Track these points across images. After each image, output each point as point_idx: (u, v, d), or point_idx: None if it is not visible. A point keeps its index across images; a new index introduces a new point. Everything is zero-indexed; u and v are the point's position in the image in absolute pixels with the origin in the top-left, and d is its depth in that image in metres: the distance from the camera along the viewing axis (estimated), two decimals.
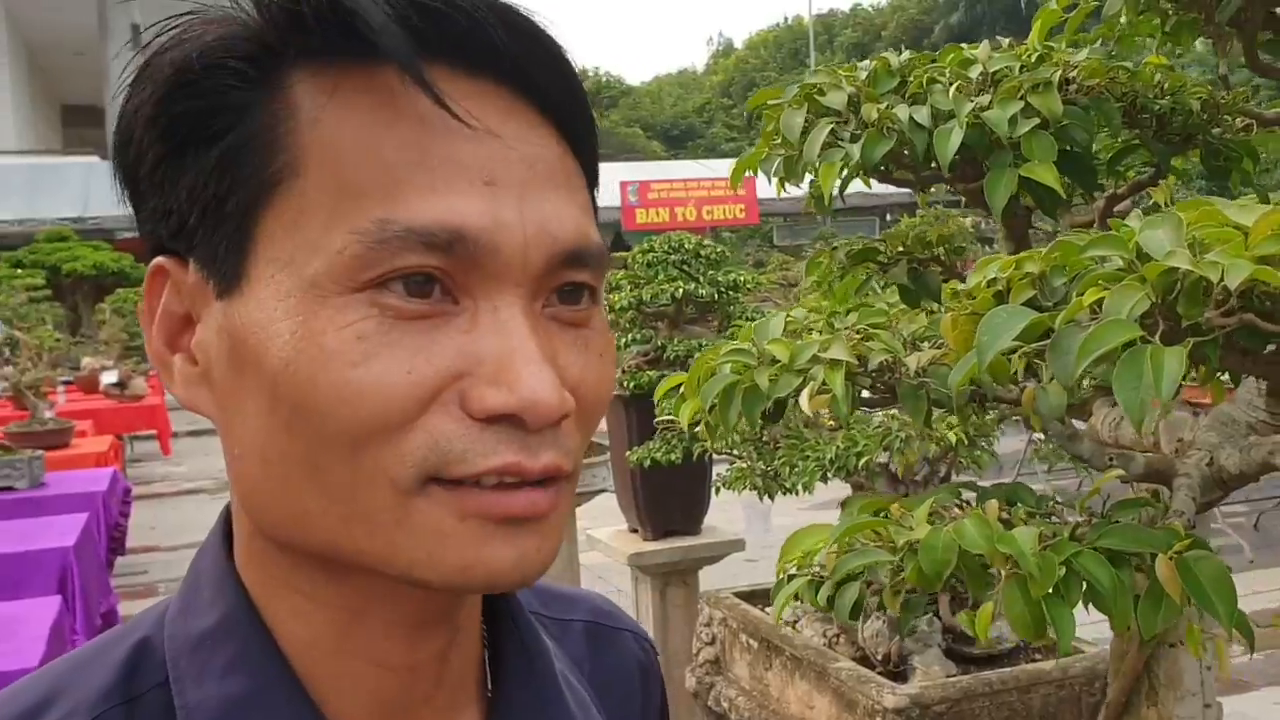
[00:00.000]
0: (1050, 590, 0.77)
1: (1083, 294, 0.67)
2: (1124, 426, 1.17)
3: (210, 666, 0.61)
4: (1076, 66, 1.15)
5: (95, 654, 0.64)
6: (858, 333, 0.96)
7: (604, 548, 5.21)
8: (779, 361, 0.91)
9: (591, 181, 0.65)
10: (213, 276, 0.59)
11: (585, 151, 0.63)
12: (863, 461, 2.72)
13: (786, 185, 1.25)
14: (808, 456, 2.83)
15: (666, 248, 4.78)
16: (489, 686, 0.70)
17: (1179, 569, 0.80)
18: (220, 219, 0.58)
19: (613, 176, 25.36)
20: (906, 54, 1.20)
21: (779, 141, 1.20)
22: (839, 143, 1.13)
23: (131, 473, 13.80)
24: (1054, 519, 0.87)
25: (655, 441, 4.71)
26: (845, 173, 1.12)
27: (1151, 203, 1.28)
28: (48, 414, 9.61)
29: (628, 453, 4.84)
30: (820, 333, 0.93)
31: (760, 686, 3.46)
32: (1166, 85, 1.30)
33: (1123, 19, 1.15)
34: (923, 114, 1.09)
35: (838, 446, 2.81)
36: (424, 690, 0.65)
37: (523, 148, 0.58)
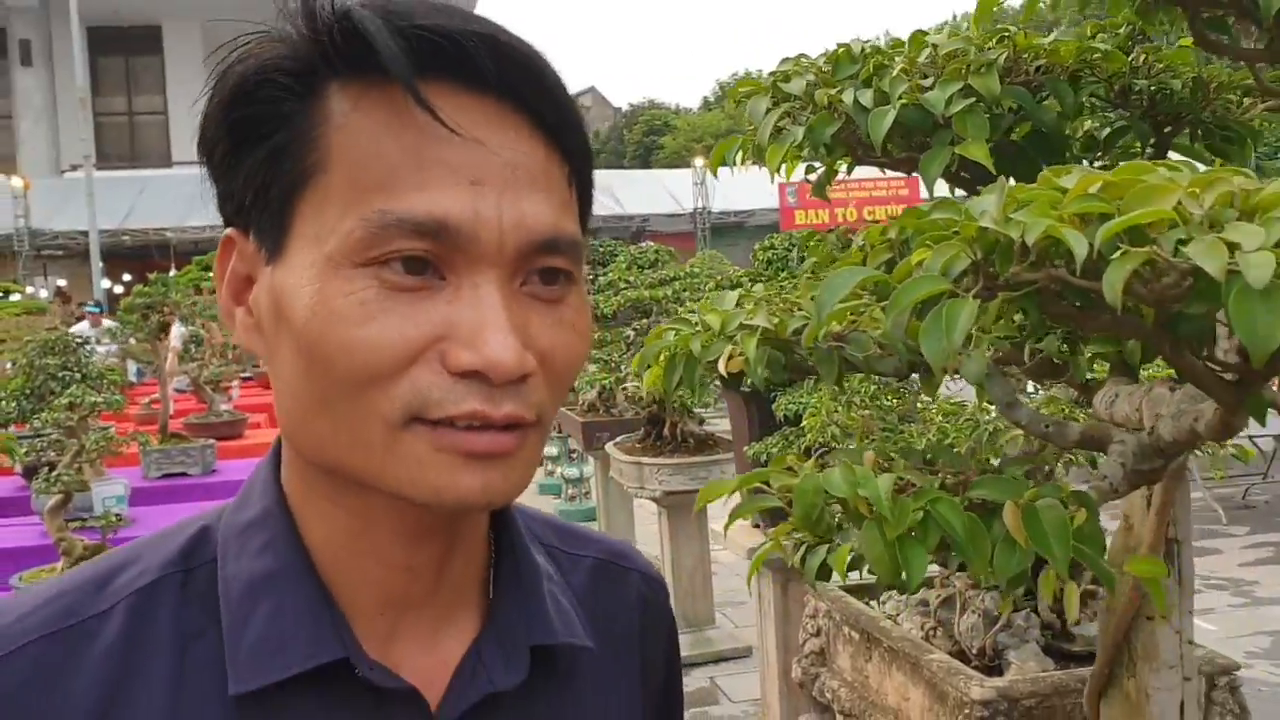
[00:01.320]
0: (909, 534, 0.82)
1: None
2: (1118, 404, 1.20)
3: (247, 548, 0.76)
4: (1037, 50, 1.17)
5: (169, 534, 0.80)
6: (788, 304, 1.02)
7: (722, 539, 5.29)
8: (712, 330, 0.98)
9: (583, 184, 0.76)
10: (264, 246, 0.73)
11: (576, 159, 0.74)
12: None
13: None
14: (900, 448, 2.83)
15: (787, 244, 4.83)
16: (490, 595, 0.82)
17: (1025, 517, 0.83)
18: (267, 201, 0.71)
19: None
20: (874, 39, 1.25)
21: (751, 127, 1.27)
22: (792, 126, 1.19)
23: None
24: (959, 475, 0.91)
25: (774, 437, 4.76)
26: (806, 153, 1.18)
27: None
28: (223, 407, 10.23)
29: (745, 447, 4.91)
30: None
31: (860, 678, 3.48)
32: (1154, 67, 1.30)
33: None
34: (867, 97, 1.14)
35: (929, 439, 2.82)
36: (423, 590, 0.77)
37: (506, 154, 0.69)
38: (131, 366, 12.49)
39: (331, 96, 0.70)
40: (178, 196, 27.66)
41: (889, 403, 3.19)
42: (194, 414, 9.85)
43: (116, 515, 4.82)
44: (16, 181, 25.19)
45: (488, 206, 0.68)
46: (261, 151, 0.71)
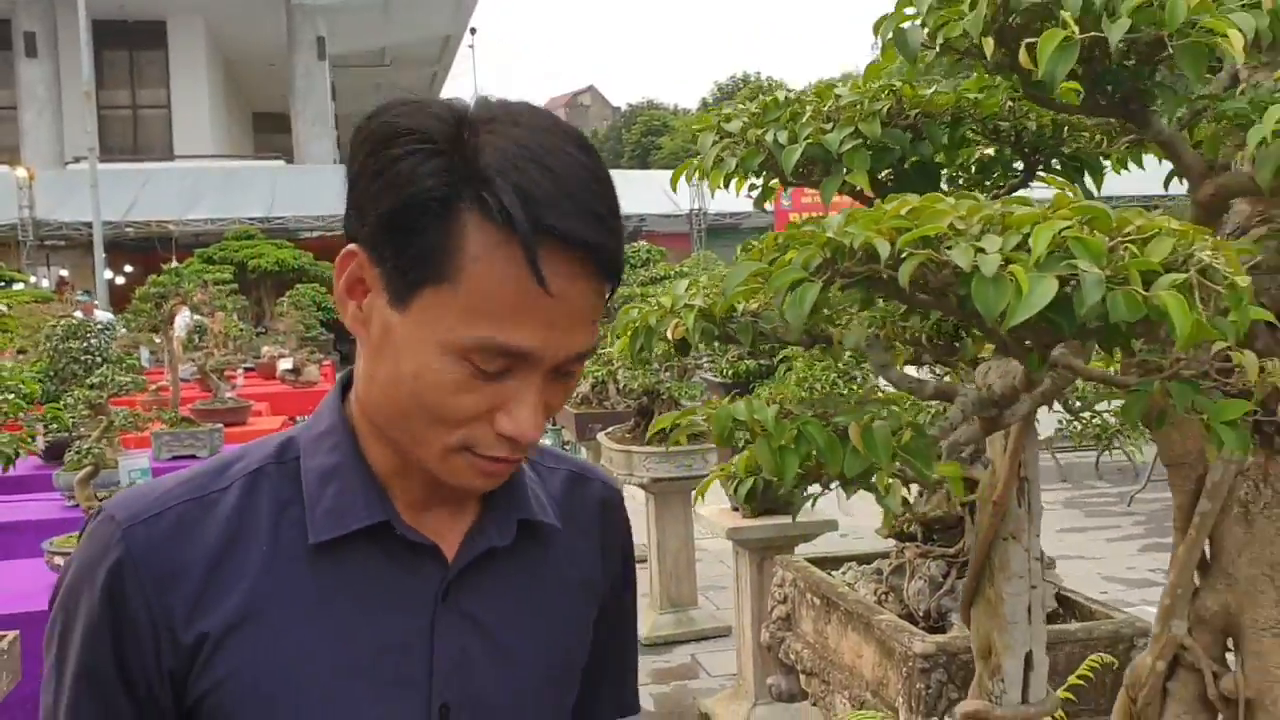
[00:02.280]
0: (788, 446, 1.16)
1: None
2: (990, 374, 1.55)
3: (320, 449, 1.07)
4: (918, 99, 1.52)
5: (266, 441, 1.11)
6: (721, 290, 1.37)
7: (706, 523, 5.63)
8: (664, 308, 1.32)
9: (613, 289, 1.01)
10: (387, 289, 0.97)
11: (616, 279, 1.00)
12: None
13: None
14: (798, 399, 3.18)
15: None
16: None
17: (864, 434, 1.18)
18: (401, 272, 0.95)
19: None
20: (795, 89, 1.59)
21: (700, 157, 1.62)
22: (730, 156, 1.54)
23: None
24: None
25: None
26: (742, 175, 1.53)
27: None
28: (228, 394, 10.53)
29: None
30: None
31: (821, 639, 3.83)
32: (1018, 110, 1.64)
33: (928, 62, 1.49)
34: (783, 136, 1.49)
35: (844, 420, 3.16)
36: (444, 494, 1.08)
37: (577, 303, 0.96)
38: (144, 352, 12.78)
39: (469, 222, 0.92)
40: (180, 190, 27.90)
41: (847, 390, 3.54)
42: (200, 401, 10.15)
43: None
44: (21, 172, 25.39)
45: (554, 341, 0.96)
46: (410, 236, 0.94)
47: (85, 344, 5.61)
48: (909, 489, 2.79)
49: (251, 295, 21.59)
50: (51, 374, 5.33)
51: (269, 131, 42.40)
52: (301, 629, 1.03)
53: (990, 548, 1.56)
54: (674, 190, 1.70)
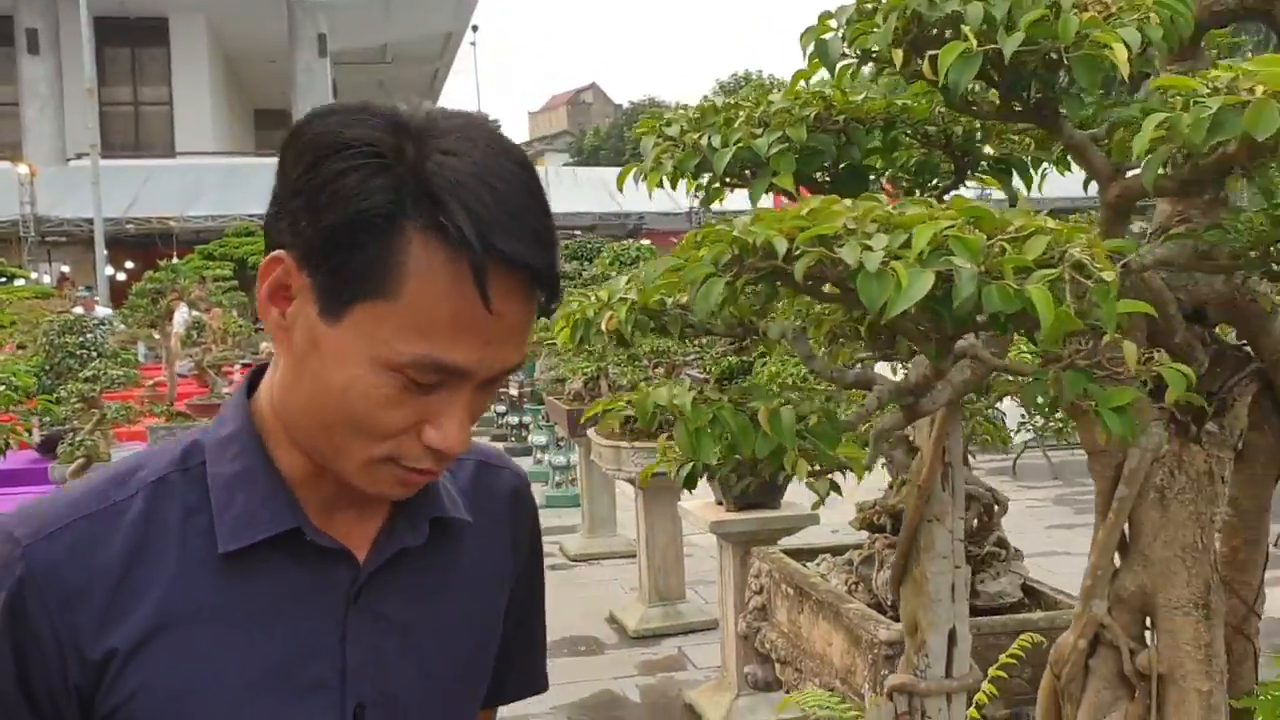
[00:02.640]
0: (704, 429, 1.25)
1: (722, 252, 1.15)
2: (918, 369, 1.63)
3: (225, 455, 1.05)
4: (848, 105, 1.60)
5: (168, 446, 1.08)
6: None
7: (690, 517, 5.72)
8: (602, 301, 1.41)
9: (550, 301, 1.01)
10: (318, 300, 0.95)
11: (551, 293, 0.99)
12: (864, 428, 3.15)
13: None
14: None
15: None
16: None
17: (771, 417, 1.26)
18: (338, 286, 0.94)
19: None
20: (729, 97, 1.68)
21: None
22: (666, 160, 1.63)
23: None
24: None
25: None
26: (680, 178, 1.61)
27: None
28: (225, 390, 10.62)
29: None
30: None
31: (794, 629, 3.91)
32: (946, 116, 1.72)
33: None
34: (716, 140, 1.57)
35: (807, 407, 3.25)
36: (354, 496, 1.06)
37: (512, 319, 0.96)
38: (140, 348, 12.86)
39: (414, 239, 0.92)
40: (181, 186, 27.99)
41: (819, 384, 3.62)
42: (197, 396, 10.24)
43: None
44: (23, 169, 25.49)
45: (489, 358, 0.96)
46: (351, 250, 0.93)
47: (81, 339, 5.69)
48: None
49: (250, 291, 21.69)
50: (48, 368, 5.42)
51: (271, 128, 42.45)
52: (212, 640, 1.02)
53: (916, 530, 1.64)
54: (620, 191, 1.79)
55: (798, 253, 1.08)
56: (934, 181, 1.79)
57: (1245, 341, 1.73)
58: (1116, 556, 1.71)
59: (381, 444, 0.99)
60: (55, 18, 31.54)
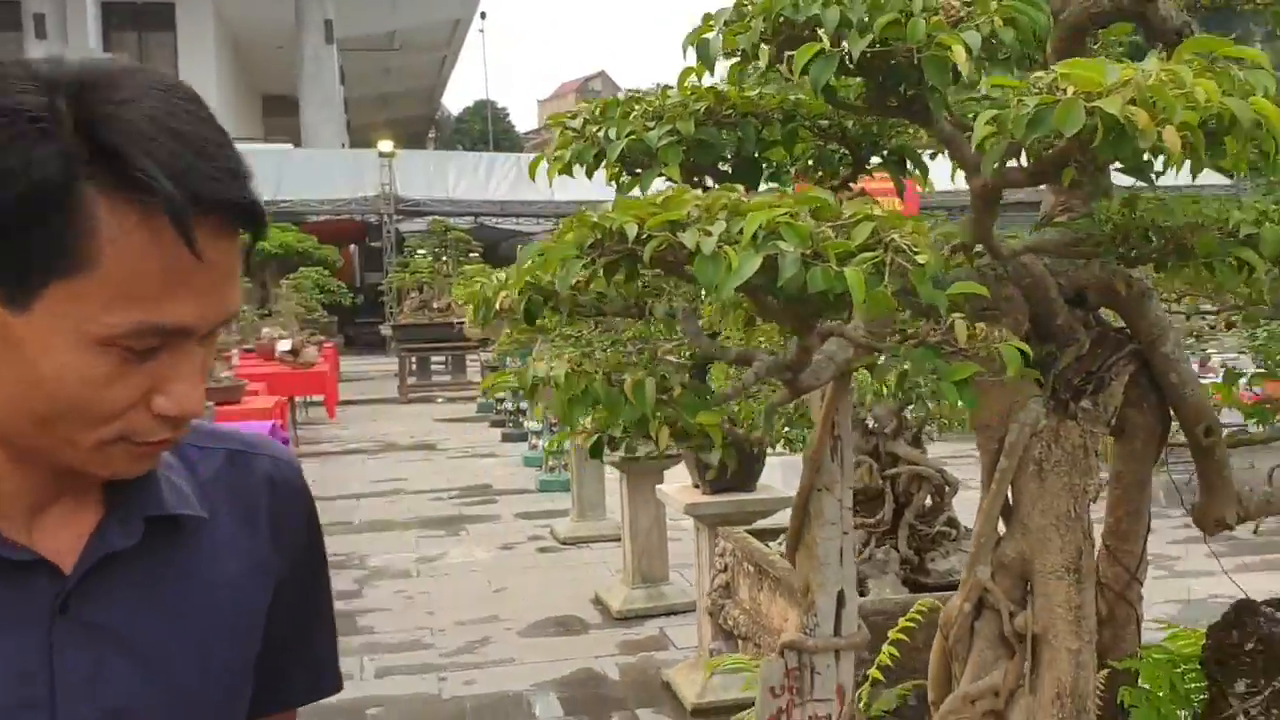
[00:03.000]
0: (577, 398, 1.36)
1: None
2: (789, 346, 1.74)
3: None
4: (739, 100, 1.70)
5: None
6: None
7: (669, 500, 5.84)
8: (501, 282, 1.52)
9: (257, 236, 0.95)
10: (3, 287, 0.87)
11: (257, 228, 0.94)
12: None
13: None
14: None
15: None
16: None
17: (634, 387, 1.38)
18: (21, 271, 0.86)
19: None
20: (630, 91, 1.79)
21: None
22: (568, 151, 1.74)
23: (302, 434, 15.05)
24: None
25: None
26: (585, 165, 1.73)
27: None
28: (224, 374, 10.75)
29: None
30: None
31: (755, 605, 4.03)
32: (839, 111, 1.83)
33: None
34: (612, 133, 1.68)
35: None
36: (59, 492, 1.00)
37: (223, 266, 0.90)
38: None
39: (100, 206, 0.85)
40: None
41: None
42: None
43: None
44: None
45: (208, 309, 0.90)
46: (27, 231, 0.85)
47: None
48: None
49: (256, 278, 21.83)
50: None
51: (278, 114, 42.48)
52: None
53: (808, 498, 1.75)
54: (532, 180, 1.90)
55: (646, 237, 1.19)
56: (827, 173, 1.90)
57: (1125, 324, 1.84)
58: (1001, 525, 1.82)
59: (109, 425, 0.92)
60: (62, 2, 31.63)
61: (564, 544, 8.80)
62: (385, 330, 20.87)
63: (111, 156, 0.85)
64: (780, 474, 6.24)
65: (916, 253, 1.16)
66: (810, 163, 1.87)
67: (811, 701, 1.76)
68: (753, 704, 2.21)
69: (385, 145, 25.97)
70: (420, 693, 5.92)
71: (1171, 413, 1.85)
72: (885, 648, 2.02)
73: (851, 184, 1.88)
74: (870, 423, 3.68)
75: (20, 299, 0.87)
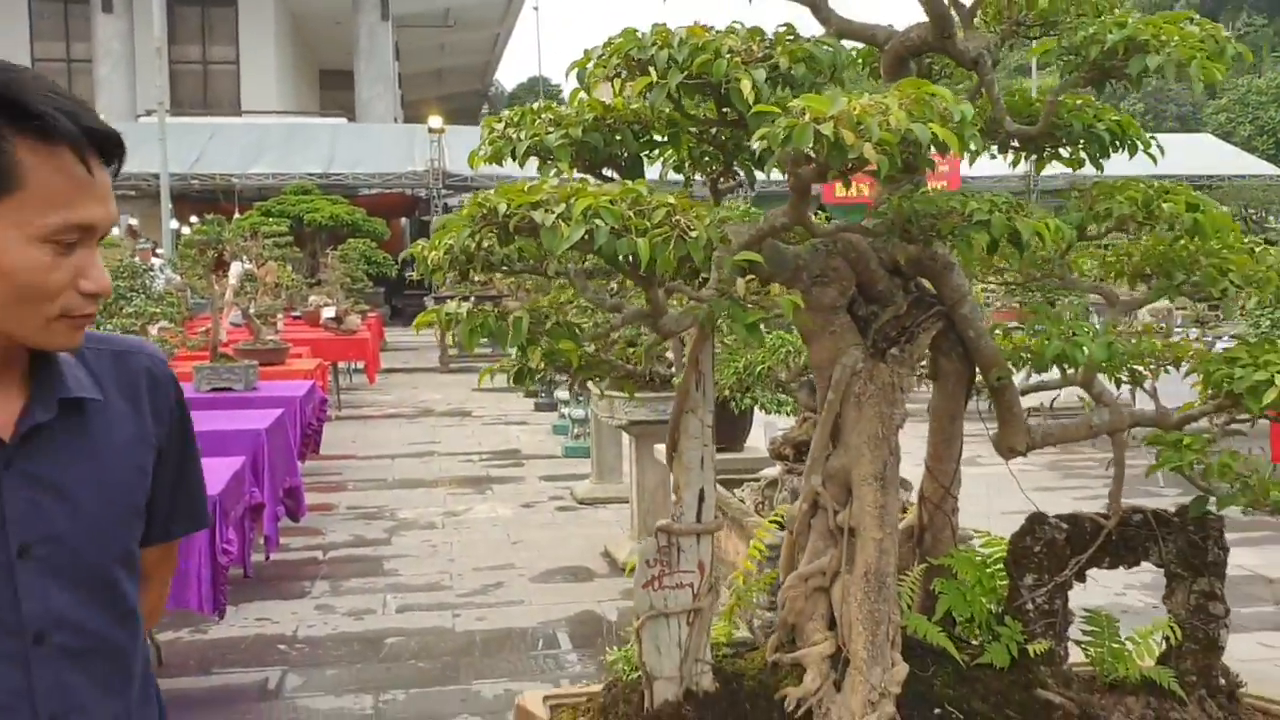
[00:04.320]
0: (475, 329, 1.89)
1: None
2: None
3: None
4: (623, 111, 2.20)
5: None
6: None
7: (665, 458, 6.38)
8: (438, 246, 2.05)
9: (120, 164, 1.42)
10: None
11: (122, 157, 1.40)
12: (759, 369, 3.78)
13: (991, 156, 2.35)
14: (729, 365, 3.90)
15: None
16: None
17: (515, 321, 1.90)
18: None
19: None
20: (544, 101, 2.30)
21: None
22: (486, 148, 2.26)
23: (345, 398, 15.75)
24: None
25: None
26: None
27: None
28: (270, 337, 11.40)
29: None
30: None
31: (717, 543, 4.54)
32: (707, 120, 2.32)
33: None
34: (522, 135, 2.19)
35: (748, 359, 3.88)
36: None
37: (105, 182, 1.36)
38: (188, 294, 13.66)
39: (20, 145, 1.29)
40: (245, 144, 28.87)
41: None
42: (243, 341, 11.02)
43: None
44: None
45: (104, 213, 1.36)
46: None
47: (131, 283, 6.44)
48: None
49: (306, 248, 22.57)
50: (103, 310, 6.19)
51: (335, 89, 43.20)
52: None
53: (679, 419, 2.28)
54: (472, 167, 2.39)
55: (512, 214, 1.71)
56: (711, 168, 2.40)
57: (935, 290, 2.33)
58: (830, 445, 2.33)
59: (53, 303, 1.34)
60: None
61: (581, 504, 9.36)
62: (429, 302, 21.52)
63: (23, 114, 1.30)
64: (765, 436, 6.76)
65: (692, 230, 1.67)
66: (689, 162, 2.37)
67: (678, 572, 2.29)
68: None
69: (435, 121, 26.54)
70: (436, 626, 6.51)
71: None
72: (759, 532, 2.58)
73: (723, 179, 2.39)
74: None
75: None
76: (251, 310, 11.22)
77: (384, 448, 12.20)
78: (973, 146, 1.77)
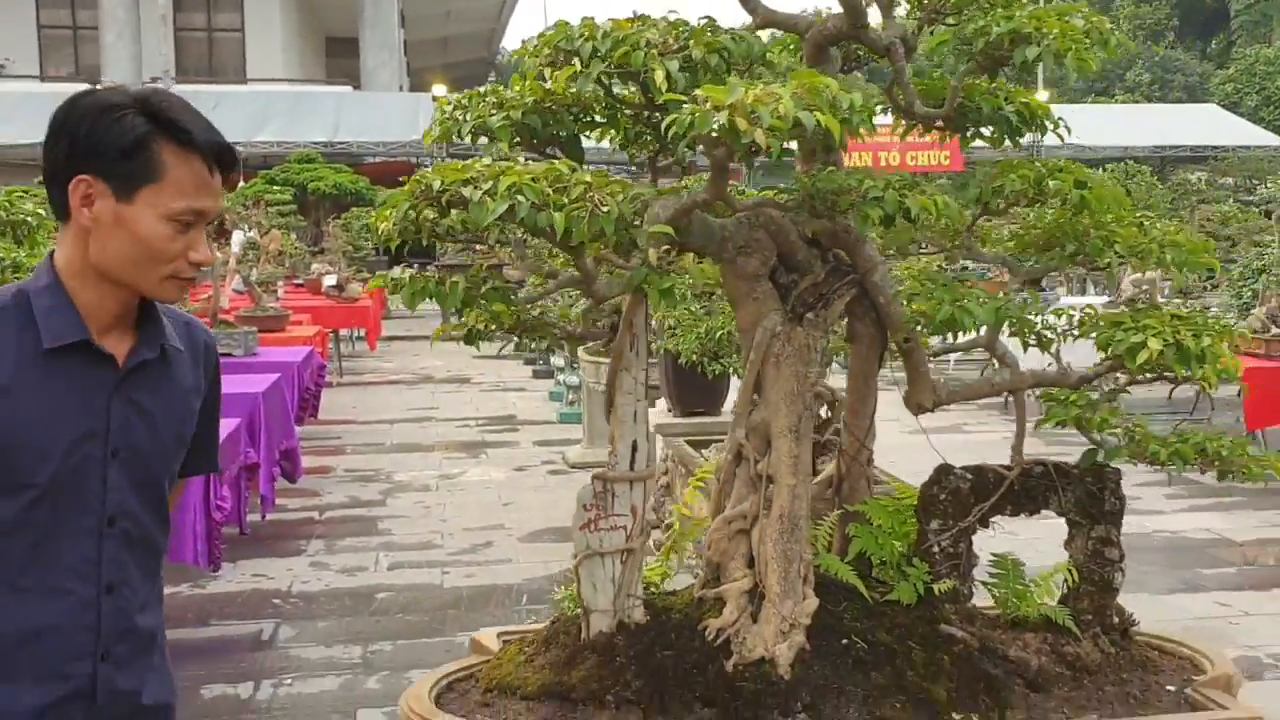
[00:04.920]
0: (417, 291, 2.11)
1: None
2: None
3: (44, 296, 1.78)
4: (560, 94, 2.40)
5: (4, 288, 1.82)
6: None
7: None
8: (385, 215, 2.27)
9: (235, 171, 1.87)
10: (115, 193, 1.73)
11: (236, 167, 1.87)
12: (719, 335, 4.01)
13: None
14: (691, 331, 4.13)
15: None
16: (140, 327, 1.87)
17: (451, 286, 2.12)
18: (129, 182, 1.73)
19: None
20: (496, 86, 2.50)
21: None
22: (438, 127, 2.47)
23: (347, 365, 16.00)
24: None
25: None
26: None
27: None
28: (270, 304, 11.62)
29: (658, 344, 6.18)
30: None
31: (679, 497, 4.79)
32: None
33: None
34: (468, 117, 2.40)
35: (708, 325, 4.11)
36: (120, 325, 1.83)
37: (216, 184, 1.80)
38: None
39: (164, 148, 1.73)
40: (251, 112, 28.92)
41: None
42: (245, 308, 11.24)
43: None
44: None
45: (214, 204, 1.80)
46: (132, 158, 1.72)
47: None
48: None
49: (310, 216, 22.79)
50: None
51: (341, 56, 43.14)
52: (37, 397, 1.74)
53: (616, 376, 2.50)
54: (426, 145, 2.59)
55: (445, 189, 1.93)
56: (647, 147, 2.61)
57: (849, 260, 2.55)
58: (753, 400, 2.56)
59: (168, 265, 1.78)
60: None
61: (573, 468, 9.61)
62: (432, 270, 21.70)
63: (169, 125, 1.75)
64: None
65: (604, 205, 1.89)
66: (626, 142, 2.58)
67: (613, 516, 2.53)
68: None
69: (439, 89, 26.67)
70: (424, 582, 6.78)
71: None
72: (693, 481, 2.84)
73: (661, 157, 2.60)
74: None
75: (128, 195, 1.73)
76: (253, 278, 11.45)
77: (383, 413, 12.46)
78: (862, 131, 1.98)
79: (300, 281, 16.01)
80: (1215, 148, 31.68)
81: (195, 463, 2.06)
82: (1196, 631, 5.97)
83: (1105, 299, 12.65)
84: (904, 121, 2.69)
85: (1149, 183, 18.85)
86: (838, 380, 3.32)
